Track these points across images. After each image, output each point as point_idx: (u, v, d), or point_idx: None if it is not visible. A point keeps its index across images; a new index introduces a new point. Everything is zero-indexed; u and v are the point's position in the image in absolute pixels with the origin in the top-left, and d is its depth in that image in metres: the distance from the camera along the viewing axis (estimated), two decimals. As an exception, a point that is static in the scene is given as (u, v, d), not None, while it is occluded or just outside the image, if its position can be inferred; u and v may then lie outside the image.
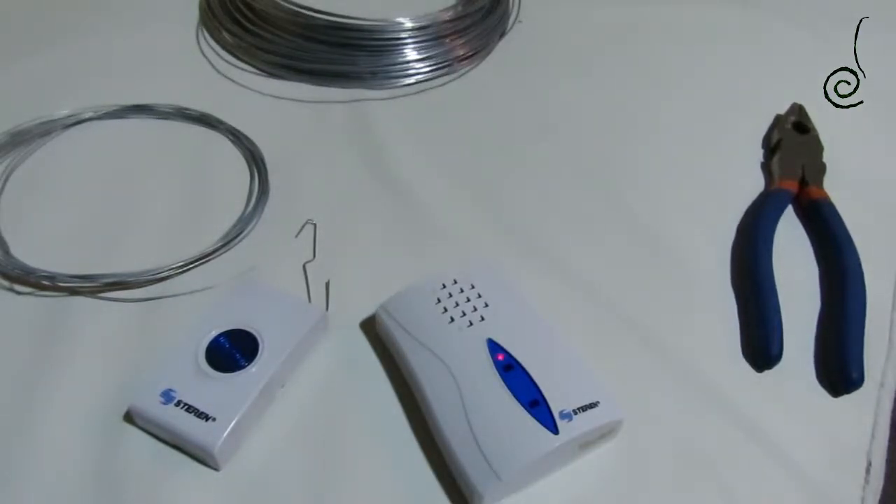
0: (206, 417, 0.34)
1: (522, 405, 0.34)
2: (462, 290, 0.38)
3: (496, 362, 0.35)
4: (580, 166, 0.51)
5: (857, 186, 0.49)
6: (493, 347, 0.36)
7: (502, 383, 0.34)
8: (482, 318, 0.37)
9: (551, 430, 0.33)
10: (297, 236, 0.44)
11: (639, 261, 0.45)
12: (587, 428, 0.33)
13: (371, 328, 0.40)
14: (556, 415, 0.33)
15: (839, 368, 0.39)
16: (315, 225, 0.44)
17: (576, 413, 0.33)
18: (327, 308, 0.40)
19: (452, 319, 0.37)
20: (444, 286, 0.38)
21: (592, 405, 0.34)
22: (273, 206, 0.46)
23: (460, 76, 0.58)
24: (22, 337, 0.39)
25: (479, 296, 0.38)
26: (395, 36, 0.56)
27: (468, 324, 0.37)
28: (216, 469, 0.34)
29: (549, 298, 0.40)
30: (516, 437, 0.33)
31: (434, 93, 0.56)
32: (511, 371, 0.35)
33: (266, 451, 0.35)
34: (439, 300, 0.38)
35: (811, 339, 0.41)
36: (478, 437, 0.33)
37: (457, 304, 0.38)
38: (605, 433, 0.35)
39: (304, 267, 0.43)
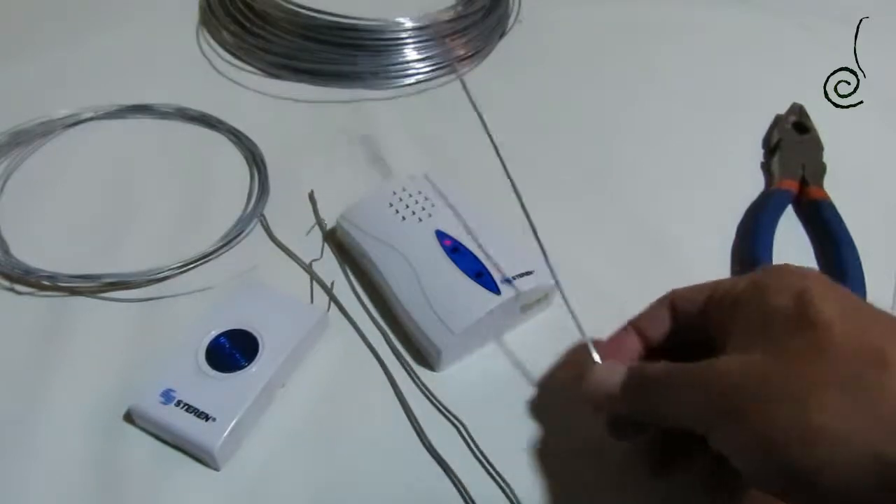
0: (206, 417, 0.34)
1: (469, 276, 0.39)
2: (411, 195, 0.43)
3: (444, 247, 0.40)
4: (580, 166, 0.51)
5: (857, 186, 0.49)
6: (441, 235, 0.41)
7: (451, 262, 0.39)
8: (430, 215, 0.42)
9: (494, 292, 0.38)
10: (307, 234, 0.44)
11: (639, 260, 0.45)
12: (524, 289, 0.38)
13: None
14: (497, 280, 0.39)
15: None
16: (324, 222, 0.45)
17: (514, 279, 0.39)
18: (328, 309, 0.41)
19: (404, 218, 0.42)
20: (395, 193, 0.43)
21: (528, 273, 0.39)
22: (273, 206, 0.46)
23: (460, 76, 0.57)
24: (22, 337, 0.39)
25: (427, 198, 0.43)
26: (395, 36, 0.56)
27: (418, 220, 0.42)
28: (216, 469, 0.34)
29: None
30: (465, 300, 0.38)
31: (434, 93, 0.56)
32: (457, 252, 0.40)
33: (266, 451, 0.35)
34: (391, 204, 0.43)
35: (811, 339, 0.41)
36: (433, 304, 0.38)
37: (407, 206, 0.42)
38: (541, 297, 0.40)
39: (310, 265, 0.43)
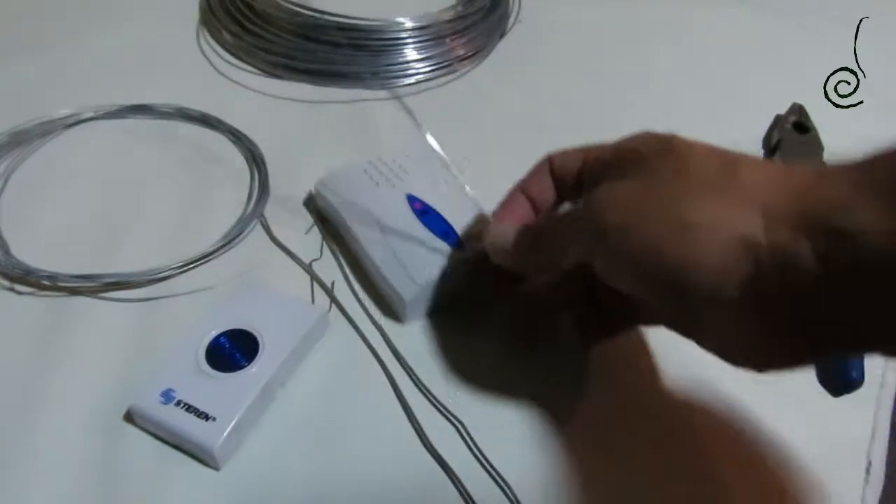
0: (206, 417, 0.34)
1: (437, 235, 0.40)
2: (386, 164, 0.45)
3: (414, 209, 0.42)
4: (580, 166, 0.51)
5: (857, 186, 0.49)
6: (412, 199, 0.42)
7: (420, 223, 0.41)
8: (402, 181, 0.44)
9: (460, 249, 0.40)
10: (306, 233, 0.44)
11: (639, 261, 0.45)
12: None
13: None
14: (464, 239, 0.40)
15: (839, 368, 0.39)
16: (324, 221, 0.45)
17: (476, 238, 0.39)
18: (329, 309, 0.41)
19: (378, 184, 0.43)
20: (371, 162, 0.45)
21: None
22: (273, 206, 0.46)
23: (460, 76, 0.58)
24: (22, 337, 0.38)
25: (401, 166, 0.45)
26: (395, 36, 0.56)
27: (391, 186, 0.43)
28: (216, 469, 0.34)
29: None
30: (431, 254, 0.40)
31: (434, 93, 0.56)
32: (427, 215, 0.41)
33: (266, 451, 0.35)
34: (366, 171, 0.44)
35: (811, 339, 0.41)
36: (399, 258, 0.40)
37: (381, 173, 0.44)
38: None
39: (310, 265, 0.43)
